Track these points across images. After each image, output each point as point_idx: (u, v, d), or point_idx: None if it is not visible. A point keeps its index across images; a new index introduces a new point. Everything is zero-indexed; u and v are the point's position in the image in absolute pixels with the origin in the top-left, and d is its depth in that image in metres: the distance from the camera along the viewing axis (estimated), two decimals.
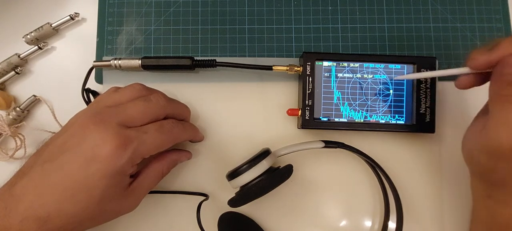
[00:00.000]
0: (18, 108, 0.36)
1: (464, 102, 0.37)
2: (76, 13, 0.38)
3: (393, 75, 0.35)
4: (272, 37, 0.38)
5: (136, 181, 0.29)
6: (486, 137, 0.25)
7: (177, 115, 0.32)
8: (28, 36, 0.37)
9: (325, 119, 0.35)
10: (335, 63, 0.35)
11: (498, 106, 0.25)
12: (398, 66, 0.35)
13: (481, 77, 0.27)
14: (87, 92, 0.35)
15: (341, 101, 0.35)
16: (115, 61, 0.35)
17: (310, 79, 0.34)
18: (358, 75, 0.35)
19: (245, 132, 0.37)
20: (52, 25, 0.37)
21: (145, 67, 0.35)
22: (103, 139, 0.25)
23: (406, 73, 0.35)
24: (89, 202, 0.25)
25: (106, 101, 0.29)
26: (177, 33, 0.38)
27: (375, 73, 0.35)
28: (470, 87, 0.28)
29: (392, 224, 0.35)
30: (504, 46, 0.24)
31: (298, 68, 0.35)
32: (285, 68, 0.35)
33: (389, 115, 0.35)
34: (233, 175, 0.31)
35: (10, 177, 0.27)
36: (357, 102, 0.35)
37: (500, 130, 0.24)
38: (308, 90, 0.34)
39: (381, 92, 0.35)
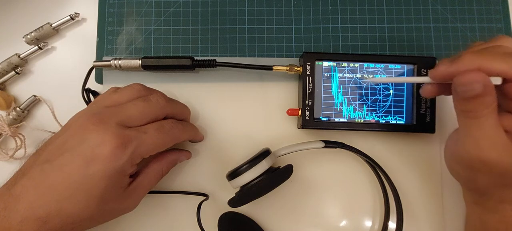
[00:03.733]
0: (18, 108, 0.36)
1: None
2: (76, 13, 0.38)
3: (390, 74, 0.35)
4: (272, 37, 0.38)
5: (135, 181, 0.29)
6: (459, 151, 0.26)
7: (177, 115, 0.32)
8: (28, 36, 0.37)
9: (325, 119, 0.35)
10: (335, 63, 0.35)
11: (461, 121, 0.25)
12: (398, 66, 0.35)
13: (445, 87, 0.27)
14: (87, 92, 0.35)
15: (341, 101, 0.35)
16: (115, 61, 0.35)
17: (310, 79, 0.34)
18: (358, 75, 0.35)
19: (245, 132, 0.37)
20: (52, 25, 0.38)
21: (145, 67, 0.35)
22: (102, 139, 0.25)
23: (393, 75, 0.35)
24: (88, 202, 0.25)
25: (106, 101, 0.29)
26: (177, 33, 0.38)
27: (375, 73, 0.35)
28: (434, 96, 0.29)
29: (392, 224, 0.35)
30: (463, 60, 0.24)
31: (298, 68, 0.35)
32: (285, 68, 0.35)
33: (389, 115, 0.35)
34: (233, 175, 0.31)
35: (10, 177, 0.27)
36: (357, 102, 0.35)
37: (467, 143, 0.25)
38: (308, 90, 0.34)
39: (381, 92, 0.35)
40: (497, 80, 0.23)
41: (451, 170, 0.29)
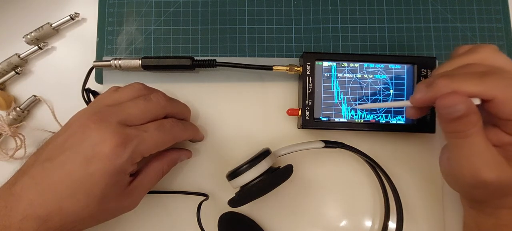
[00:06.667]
0: (18, 108, 0.36)
1: None
2: (76, 13, 0.38)
3: (392, 78, 0.35)
4: (272, 37, 0.38)
5: (136, 179, 0.29)
6: (454, 170, 0.26)
7: (177, 114, 0.33)
8: (28, 36, 0.37)
9: (325, 119, 0.35)
10: (335, 63, 0.35)
11: (450, 141, 0.25)
12: (398, 66, 0.35)
13: (427, 108, 0.27)
14: (87, 92, 0.35)
15: (341, 101, 0.35)
16: (115, 61, 0.35)
17: (310, 79, 0.34)
18: (358, 75, 0.35)
19: (245, 132, 0.37)
20: (52, 25, 0.38)
21: (145, 67, 0.35)
22: (103, 137, 0.25)
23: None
24: (89, 200, 0.25)
25: (106, 100, 0.29)
26: (177, 33, 0.38)
27: (375, 73, 0.35)
28: (419, 116, 0.28)
29: (392, 224, 0.35)
30: (439, 84, 0.24)
31: (298, 68, 0.35)
32: (285, 68, 0.35)
33: (389, 115, 0.35)
34: (233, 175, 0.31)
35: (10, 177, 0.27)
36: (357, 102, 0.35)
37: (461, 164, 0.25)
38: (308, 90, 0.34)
39: (381, 92, 0.35)
40: (476, 101, 0.23)
41: (448, 183, 0.29)
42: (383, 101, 0.35)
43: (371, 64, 0.35)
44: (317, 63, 0.35)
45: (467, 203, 0.30)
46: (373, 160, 0.34)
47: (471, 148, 0.24)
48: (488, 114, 0.24)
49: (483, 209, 0.28)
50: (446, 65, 0.27)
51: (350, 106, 0.35)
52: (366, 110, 0.34)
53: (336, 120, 0.35)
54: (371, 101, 0.35)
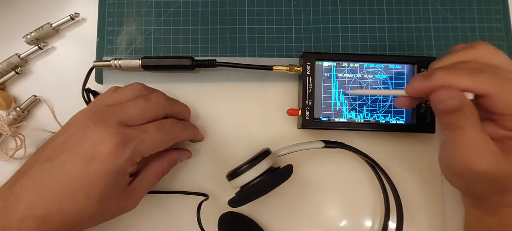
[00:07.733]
0: (18, 108, 0.36)
1: None
2: (76, 13, 0.38)
3: (392, 78, 0.35)
4: (272, 37, 0.38)
5: (136, 180, 0.29)
6: (450, 163, 0.26)
7: (177, 114, 0.33)
8: (28, 36, 0.37)
9: (325, 119, 0.35)
10: (335, 63, 0.35)
11: (446, 133, 0.26)
12: (398, 66, 0.35)
13: (418, 99, 0.28)
14: (87, 92, 0.35)
15: (341, 101, 0.35)
16: (115, 61, 0.35)
17: (310, 79, 0.34)
18: (358, 75, 0.35)
19: (245, 132, 0.37)
20: (52, 25, 0.38)
21: (145, 67, 0.35)
22: (102, 137, 0.25)
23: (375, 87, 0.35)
24: (89, 201, 0.25)
25: (106, 100, 0.29)
26: (177, 33, 0.38)
27: (375, 73, 0.35)
28: (408, 108, 0.29)
29: (392, 224, 0.35)
30: (437, 77, 0.24)
31: (298, 68, 0.35)
32: (285, 68, 0.35)
33: (389, 115, 0.35)
34: (233, 175, 0.31)
35: (10, 177, 0.27)
36: (357, 102, 0.35)
37: (456, 156, 0.25)
38: (308, 90, 0.34)
39: None
40: (470, 95, 0.24)
41: (447, 179, 0.29)
42: (383, 101, 0.35)
43: (371, 64, 0.35)
44: (317, 63, 0.35)
45: (469, 202, 0.30)
46: (373, 160, 0.34)
47: (464, 139, 0.24)
48: (484, 109, 0.25)
49: (485, 207, 0.28)
50: (443, 60, 0.27)
51: (352, 105, 0.35)
52: (357, 97, 0.35)
53: (336, 120, 0.35)
54: (371, 101, 0.35)
